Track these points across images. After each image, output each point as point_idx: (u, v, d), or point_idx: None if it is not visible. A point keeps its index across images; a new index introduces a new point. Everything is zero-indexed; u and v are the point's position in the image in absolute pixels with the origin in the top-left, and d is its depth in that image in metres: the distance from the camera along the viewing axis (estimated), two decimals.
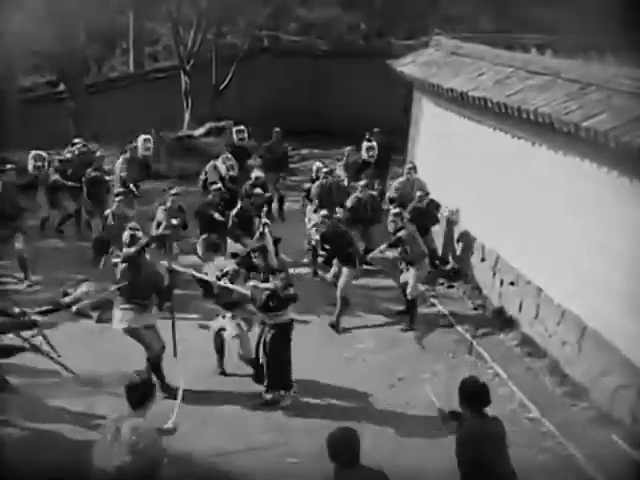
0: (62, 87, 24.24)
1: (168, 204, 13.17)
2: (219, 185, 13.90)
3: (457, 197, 13.89)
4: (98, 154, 15.37)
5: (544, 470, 8.07)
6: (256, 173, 14.74)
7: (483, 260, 12.79)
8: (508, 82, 11.74)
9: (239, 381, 9.94)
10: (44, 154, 14.80)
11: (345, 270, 11.92)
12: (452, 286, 13.40)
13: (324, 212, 12.38)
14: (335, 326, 11.75)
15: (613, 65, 11.73)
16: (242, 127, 16.97)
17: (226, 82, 24.16)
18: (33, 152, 14.72)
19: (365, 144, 16.14)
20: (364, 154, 16.03)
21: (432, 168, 14.97)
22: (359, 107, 23.17)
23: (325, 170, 14.45)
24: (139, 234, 10.20)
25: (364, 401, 9.64)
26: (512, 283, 11.59)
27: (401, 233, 11.71)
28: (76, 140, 17.19)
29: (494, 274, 12.30)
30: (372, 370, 10.44)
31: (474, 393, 6.27)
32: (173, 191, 13.45)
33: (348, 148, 16.43)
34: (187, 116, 24.04)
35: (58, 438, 8.57)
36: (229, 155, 15.23)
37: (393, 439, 8.77)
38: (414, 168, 14.72)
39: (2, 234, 13.02)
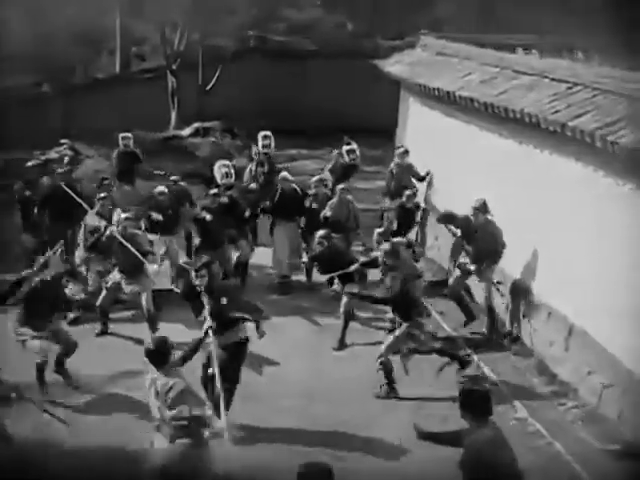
0: (47, 88, 24.14)
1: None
2: (216, 190, 13.36)
3: (442, 196, 13.91)
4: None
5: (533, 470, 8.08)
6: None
7: None
8: (495, 82, 11.78)
9: None
10: None
11: (346, 287, 11.37)
12: None
13: (322, 232, 11.87)
14: (339, 344, 11.20)
15: (598, 65, 11.77)
16: (268, 133, 15.69)
17: (213, 82, 24.13)
18: None
19: (345, 147, 15.89)
20: (345, 157, 15.87)
21: (419, 168, 14.98)
22: (346, 107, 23.22)
23: (316, 179, 13.99)
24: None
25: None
26: (499, 282, 11.60)
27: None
28: (62, 141, 17.20)
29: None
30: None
31: (480, 404, 6.16)
32: (157, 190, 13.28)
33: (335, 152, 16.27)
34: (174, 116, 23.99)
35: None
36: (227, 162, 14.44)
37: None
38: (406, 152, 14.78)
39: None
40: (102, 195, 13.15)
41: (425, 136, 15.10)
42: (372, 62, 17.39)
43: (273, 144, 15.47)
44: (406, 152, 14.89)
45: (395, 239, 11.66)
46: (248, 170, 15.28)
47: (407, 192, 13.63)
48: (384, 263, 10.23)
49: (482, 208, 11.21)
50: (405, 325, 9.84)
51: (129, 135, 15.88)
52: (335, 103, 23.83)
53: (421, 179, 14.81)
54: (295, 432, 8.89)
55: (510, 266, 11.25)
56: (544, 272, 10.46)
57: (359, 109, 22.89)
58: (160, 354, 6.85)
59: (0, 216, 14.26)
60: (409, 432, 7.09)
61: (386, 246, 10.49)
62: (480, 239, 11.21)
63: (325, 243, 11.64)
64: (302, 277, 13.52)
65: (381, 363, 9.74)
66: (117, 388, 9.87)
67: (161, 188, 13.28)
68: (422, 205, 14.23)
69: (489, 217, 11.24)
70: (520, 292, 11.02)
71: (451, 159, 13.64)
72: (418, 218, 13.89)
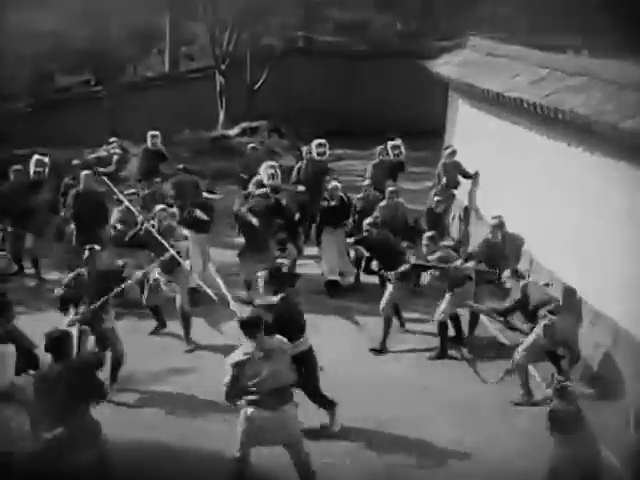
0: (98, 87, 24.49)
1: None
2: (264, 190, 13.10)
3: (490, 197, 13.83)
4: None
5: None
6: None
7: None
8: (544, 83, 11.65)
9: None
10: (46, 159, 14.04)
11: (389, 286, 11.17)
12: None
13: (370, 220, 11.91)
14: (380, 345, 11.00)
15: None
16: (323, 141, 15.63)
17: (260, 82, 24.26)
18: (35, 157, 14.07)
19: (390, 143, 15.86)
20: (390, 154, 15.84)
21: (467, 169, 14.93)
22: (393, 108, 23.19)
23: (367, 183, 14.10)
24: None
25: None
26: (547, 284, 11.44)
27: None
28: (112, 139, 17.39)
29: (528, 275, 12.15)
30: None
31: (566, 423, 6.38)
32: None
33: (380, 147, 16.22)
34: (222, 116, 24.17)
35: None
36: (273, 163, 14.10)
37: None
38: (454, 152, 14.92)
39: (15, 233, 13.34)
40: (131, 191, 13.34)
41: (474, 137, 15.02)
42: (420, 62, 17.33)
43: (328, 151, 15.50)
44: (454, 152, 14.94)
45: (444, 243, 11.63)
46: (296, 170, 15.32)
47: (436, 198, 13.56)
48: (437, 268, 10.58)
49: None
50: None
51: (157, 133, 16.03)
52: (382, 103, 23.83)
53: (469, 177, 14.85)
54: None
55: (561, 270, 11.12)
56: (596, 276, 10.29)
57: (407, 110, 22.84)
58: (253, 325, 7.33)
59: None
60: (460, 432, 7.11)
61: (439, 254, 10.67)
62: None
63: (373, 231, 11.59)
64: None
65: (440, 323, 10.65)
66: (164, 385, 9.95)
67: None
68: (465, 204, 14.20)
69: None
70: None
71: (499, 160, 13.53)
72: (450, 220, 13.90)
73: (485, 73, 13.91)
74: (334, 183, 13.73)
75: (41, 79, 25.56)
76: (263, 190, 13.04)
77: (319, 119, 22.76)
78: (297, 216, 13.31)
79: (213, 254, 13.41)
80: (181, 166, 14.79)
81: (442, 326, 10.80)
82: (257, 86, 24.34)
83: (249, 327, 7.32)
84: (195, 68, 26.90)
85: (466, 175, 14.89)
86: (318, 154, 15.28)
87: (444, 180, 14.83)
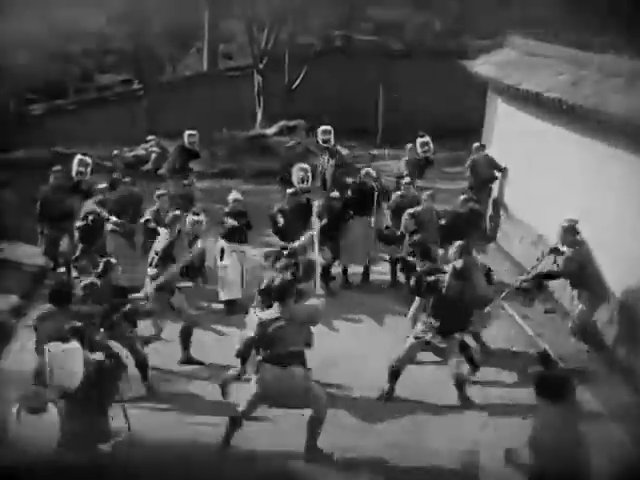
0: (137, 85, 24.68)
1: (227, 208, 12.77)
2: (292, 190, 12.99)
3: (531, 198, 13.71)
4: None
5: None
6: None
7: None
8: (584, 83, 11.52)
9: None
10: (89, 159, 13.79)
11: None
12: None
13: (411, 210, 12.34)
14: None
15: None
16: (328, 128, 15.76)
17: (298, 81, 24.27)
18: (78, 156, 13.78)
19: (419, 140, 15.80)
20: (419, 150, 15.81)
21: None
22: (430, 108, 23.02)
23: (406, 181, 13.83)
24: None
25: None
26: None
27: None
28: (149, 137, 17.52)
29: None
30: None
31: (556, 390, 6.26)
32: (232, 197, 12.90)
33: (410, 145, 16.25)
34: (259, 115, 24.22)
35: None
36: (305, 166, 13.80)
37: None
38: (482, 146, 15.49)
39: (52, 235, 13.10)
40: (161, 192, 13.02)
41: (513, 138, 14.90)
42: (459, 62, 17.22)
43: (332, 138, 15.65)
44: (481, 146, 15.40)
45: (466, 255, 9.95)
46: (319, 167, 15.36)
47: (461, 197, 13.30)
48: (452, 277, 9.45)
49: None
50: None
51: (195, 132, 15.99)
52: (419, 103, 23.66)
53: (499, 170, 15.18)
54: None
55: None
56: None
57: (444, 110, 22.68)
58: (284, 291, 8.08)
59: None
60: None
61: (458, 263, 9.50)
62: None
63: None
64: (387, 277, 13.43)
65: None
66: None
67: (235, 195, 12.91)
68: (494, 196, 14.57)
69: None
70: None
71: (538, 161, 13.42)
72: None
73: (524, 73, 13.78)
74: (367, 169, 13.83)
75: (84, 78, 25.92)
76: (293, 189, 13.03)
77: (356, 118, 22.73)
78: (324, 221, 12.98)
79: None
80: (127, 179, 13.89)
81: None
82: (295, 85, 24.35)
83: (279, 292, 8.06)
84: (233, 67, 26.97)
85: (499, 168, 15.12)
86: (323, 141, 15.55)
87: (473, 180, 15.11)
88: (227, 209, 12.61)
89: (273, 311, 8.10)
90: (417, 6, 27.20)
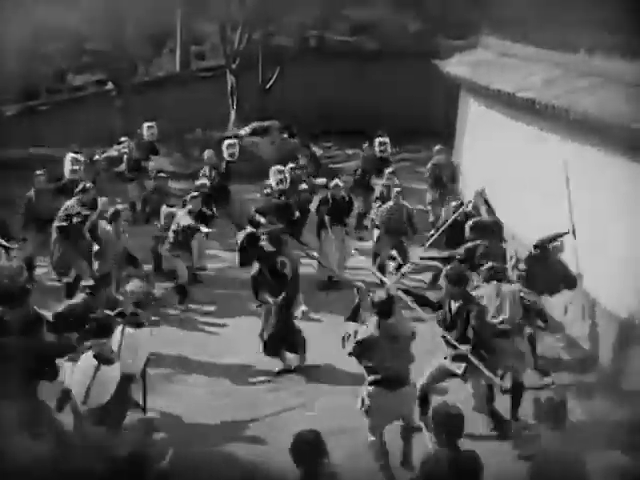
0: (110, 86, 24.48)
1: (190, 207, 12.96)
2: (268, 191, 13.37)
3: (500, 197, 13.73)
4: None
5: None
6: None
7: None
8: (557, 83, 11.57)
9: None
10: (81, 157, 13.74)
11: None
12: None
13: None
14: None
15: None
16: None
17: (272, 82, 24.19)
18: (71, 155, 13.63)
19: (377, 139, 16.03)
20: (376, 149, 15.92)
21: (478, 169, 14.84)
22: (404, 107, 23.00)
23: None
24: None
25: None
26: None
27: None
28: (122, 138, 17.38)
29: None
30: None
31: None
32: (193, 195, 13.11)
33: (366, 143, 16.56)
34: (233, 115, 24.10)
35: None
36: (282, 168, 14.03)
37: None
38: (441, 150, 15.80)
39: (40, 238, 12.74)
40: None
41: (485, 138, 14.95)
42: (432, 62, 17.27)
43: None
44: (441, 150, 15.69)
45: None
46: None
47: (453, 203, 13.18)
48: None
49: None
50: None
51: (154, 124, 16.01)
52: (394, 103, 23.64)
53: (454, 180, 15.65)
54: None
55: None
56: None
57: (417, 109, 22.65)
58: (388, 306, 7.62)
59: None
60: None
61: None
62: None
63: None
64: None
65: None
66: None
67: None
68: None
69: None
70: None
71: (511, 161, 13.44)
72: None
73: (497, 73, 13.83)
74: (336, 181, 13.86)
75: (55, 78, 25.68)
76: (268, 190, 13.35)
77: (330, 119, 22.73)
78: (297, 214, 13.20)
79: None
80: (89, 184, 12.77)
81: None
82: (268, 86, 24.27)
83: (383, 306, 7.58)
84: (206, 67, 26.85)
85: (454, 178, 15.47)
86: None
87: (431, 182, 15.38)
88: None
89: (370, 328, 7.57)
90: (393, 6, 27.19)
